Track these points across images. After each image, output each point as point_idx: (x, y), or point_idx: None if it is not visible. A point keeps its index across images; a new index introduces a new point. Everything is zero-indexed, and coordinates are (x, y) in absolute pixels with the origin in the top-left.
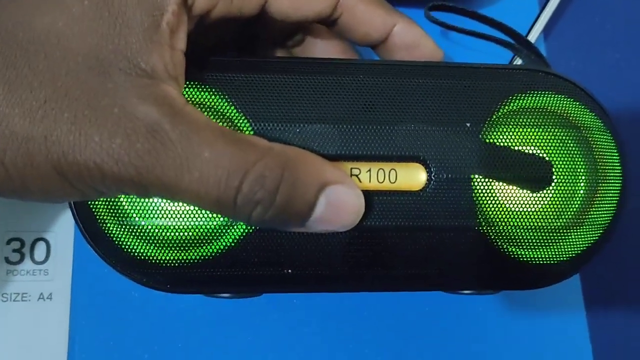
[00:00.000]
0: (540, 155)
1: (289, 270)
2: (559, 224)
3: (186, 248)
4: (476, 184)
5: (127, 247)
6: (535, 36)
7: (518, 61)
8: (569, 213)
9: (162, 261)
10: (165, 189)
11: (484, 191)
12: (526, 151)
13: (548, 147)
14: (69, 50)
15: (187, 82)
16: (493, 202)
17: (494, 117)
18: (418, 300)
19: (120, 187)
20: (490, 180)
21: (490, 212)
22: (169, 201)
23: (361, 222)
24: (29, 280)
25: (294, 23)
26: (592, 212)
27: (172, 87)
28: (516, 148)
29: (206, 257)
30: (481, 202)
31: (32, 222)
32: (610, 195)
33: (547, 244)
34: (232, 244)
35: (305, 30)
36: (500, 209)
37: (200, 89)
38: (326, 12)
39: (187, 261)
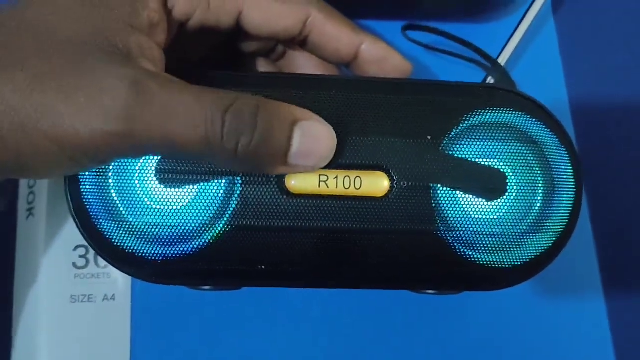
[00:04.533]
0: (498, 167)
1: (262, 267)
2: (515, 231)
3: (170, 244)
4: (434, 191)
5: (117, 241)
6: (506, 58)
7: (491, 80)
8: (526, 221)
9: (148, 255)
10: (154, 138)
11: (442, 198)
12: (483, 163)
13: (508, 160)
14: (55, 35)
15: None
16: (451, 208)
17: (455, 130)
18: None
19: (111, 147)
20: (448, 188)
21: (449, 218)
22: (162, 157)
23: (328, 224)
24: (94, 283)
25: (267, 38)
26: (547, 221)
27: (150, 65)
28: (474, 160)
29: (187, 253)
30: (439, 208)
31: None
32: (564, 205)
33: (503, 249)
34: (211, 241)
35: (286, 45)
36: (458, 215)
37: None
38: (295, 28)
39: (170, 256)
